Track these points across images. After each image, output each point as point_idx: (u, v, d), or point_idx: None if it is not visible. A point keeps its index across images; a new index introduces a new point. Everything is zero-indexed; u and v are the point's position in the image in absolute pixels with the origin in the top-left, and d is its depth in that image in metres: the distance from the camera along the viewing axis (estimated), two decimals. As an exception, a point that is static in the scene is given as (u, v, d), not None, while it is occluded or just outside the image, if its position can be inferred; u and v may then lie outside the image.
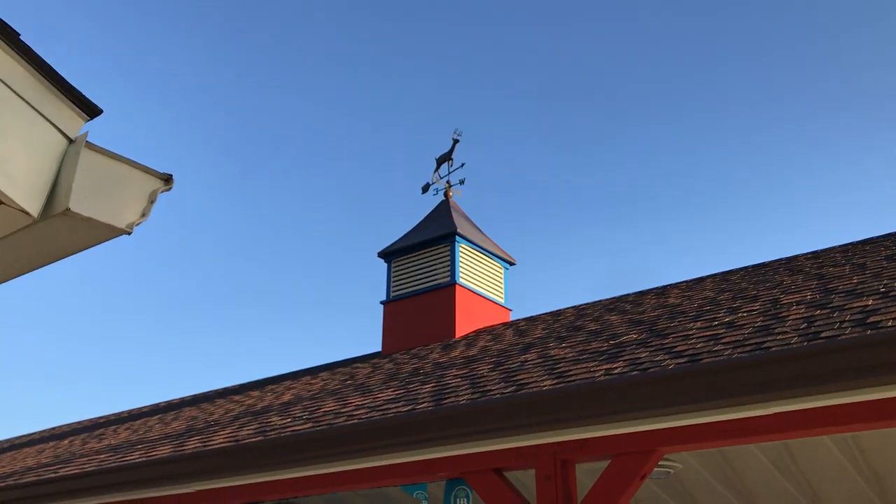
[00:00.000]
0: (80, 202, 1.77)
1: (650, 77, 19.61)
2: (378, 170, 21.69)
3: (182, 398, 10.76)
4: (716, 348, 4.21)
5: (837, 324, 3.93)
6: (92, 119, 1.85)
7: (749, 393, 3.67)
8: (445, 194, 9.75)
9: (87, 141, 1.84)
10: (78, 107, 1.85)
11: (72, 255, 1.90)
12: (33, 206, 1.73)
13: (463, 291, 8.83)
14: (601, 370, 4.50)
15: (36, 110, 1.78)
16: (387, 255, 9.44)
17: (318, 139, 22.21)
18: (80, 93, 1.83)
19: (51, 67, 1.82)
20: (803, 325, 4.14)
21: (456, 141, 9.70)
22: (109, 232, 1.83)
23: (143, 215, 1.89)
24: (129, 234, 1.86)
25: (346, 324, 23.45)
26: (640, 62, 19.46)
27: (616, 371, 4.37)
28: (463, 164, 9.75)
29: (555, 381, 4.55)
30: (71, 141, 1.83)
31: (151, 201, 1.88)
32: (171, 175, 1.96)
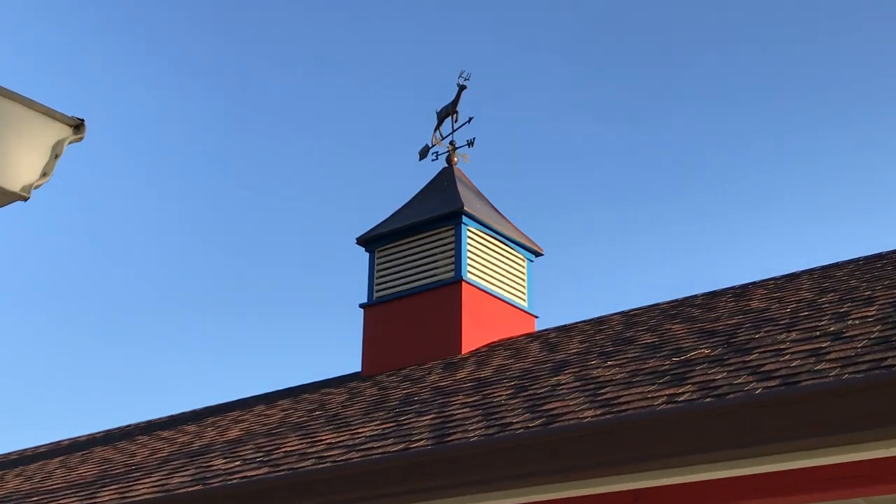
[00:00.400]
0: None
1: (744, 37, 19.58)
2: (359, 128, 21.67)
3: (92, 435, 10.77)
4: (818, 367, 4.20)
5: (985, 334, 3.92)
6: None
7: (865, 427, 3.66)
8: (448, 159, 9.72)
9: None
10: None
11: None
12: None
13: (472, 291, 8.81)
14: (661, 397, 4.49)
15: None
16: (369, 241, 9.42)
17: (277, 87, 22.20)
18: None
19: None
20: (938, 336, 4.13)
21: (462, 87, 9.67)
22: (-1, 197, 1.79)
23: (45, 175, 1.85)
24: (26, 199, 1.83)
25: (313, 335, 23.43)
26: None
27: (682, 398, 4.36)
28: (471, 119, 9.73)
29: (598, 412, 4.54)
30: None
31: (56, 155, 1.85)
32: (83, 121, 1.92)
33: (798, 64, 19.56)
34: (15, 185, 1.84)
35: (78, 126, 1.92)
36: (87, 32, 21.40)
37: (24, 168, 1.86)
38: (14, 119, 1.84)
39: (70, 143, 1.89)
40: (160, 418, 10.51)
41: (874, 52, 19.15)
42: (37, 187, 1.90)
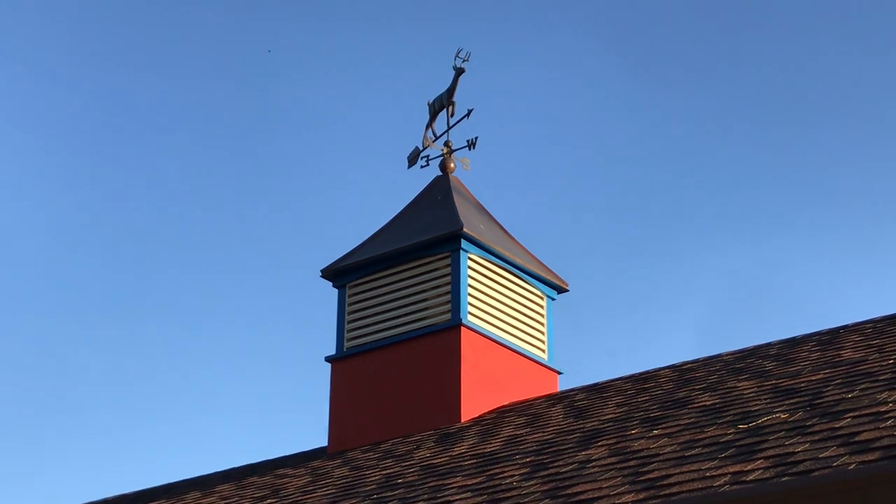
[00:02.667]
0: None
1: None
2: (329, 127, 21.71)
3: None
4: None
5: None
6: None
7: None
8: (444, 166, 9.75)
9: None
10: None
11: None
12: None
13: (474, 338, 8.81)
14: (725, 475, 4.50)
15: None
16: (338, 273, 9.43)
17: (223, 79, 22.29)
18: None
19: None
20: None
21: (460, 71, 9.68)
22: None
23: None
24: None
25: (265, 399, 23.35)
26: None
27: (752, 476, 4.37)
28: (471, 112, 9.74)
29: (642, 496, 4.55)
30: None
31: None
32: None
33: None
34: None
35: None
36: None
37: None
38: None
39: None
40: (61, 510, 10.49)
41: None
42: None
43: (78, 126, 22.12)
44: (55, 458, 22.59)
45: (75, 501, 10.56)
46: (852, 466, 4.08)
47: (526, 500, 5.11)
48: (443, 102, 9.79)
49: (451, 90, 9.75)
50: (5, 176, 21.76)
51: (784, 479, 4.19)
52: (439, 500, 5.67)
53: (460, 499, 5.56)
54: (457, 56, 9.64)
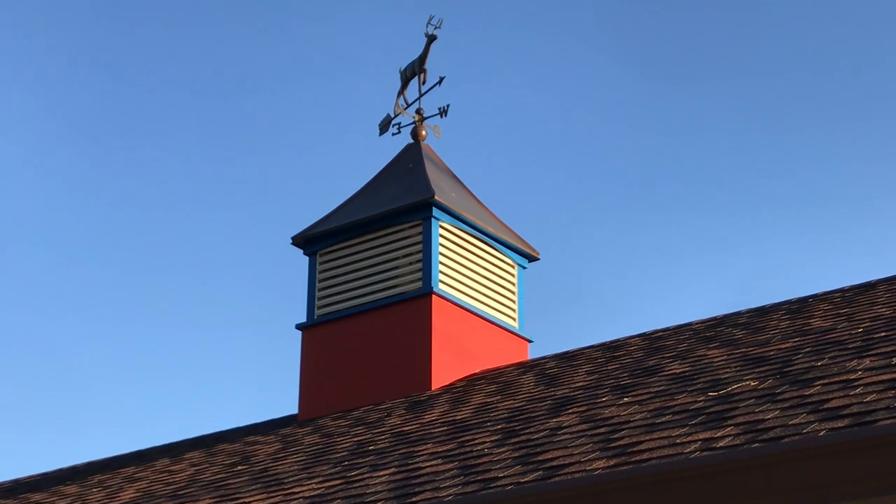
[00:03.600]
0: None
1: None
2: (300, 93, 21.59)
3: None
4: (901, 402, 4.23)
5: None
6: None
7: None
8: (415, 133, 9.72)
9: None
10: None
11: None
12: None
13: (445, 306, 8.81)
14: (695, 442, 4.51)
15: None
16: (309, 241, 9.41)
17: (190, 44, 22.13)
18: None
19: None
20: None
21: (432, 38, 9.65)
22: None
23: None
24: None
25: (235, 366, 23.30)
26: None
27: (721, 443, 4.38)
28: (442, 80, 9.71)
29: (612, 462, 4.56)
30: None
31: None
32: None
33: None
34: None
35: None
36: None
37: None
38: None
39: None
40: (30, 476, 10.45)
41: None
42: None
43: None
44: (23, 426, 22.50)
45: (43, 468, 10.50)
46: (822, 433, 4.10)
47: (497, 466, 5.11)
48: (414, 70, 9.75)
49: (422, 57, 9.71)
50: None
51: (754, 445, 4.20)
52: (410, 467, 5.67)
53: (431, 466, 5.56)
54: (428, 23, 9.60)
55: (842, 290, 7.88)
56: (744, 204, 20.73)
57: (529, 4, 20.39)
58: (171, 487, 7.43)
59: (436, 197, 8.89)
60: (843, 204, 20.25)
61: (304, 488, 5.93)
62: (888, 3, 18.10)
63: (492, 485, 4.76)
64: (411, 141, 9.76)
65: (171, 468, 8.33)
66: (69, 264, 22.22)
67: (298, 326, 9.30)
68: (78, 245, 22.31)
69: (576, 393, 6.70)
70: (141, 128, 21.93)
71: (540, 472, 4.73)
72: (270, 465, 7.21)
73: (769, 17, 19.96)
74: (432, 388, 8.48)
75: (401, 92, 9.86)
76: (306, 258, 9.45)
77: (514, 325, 9.30)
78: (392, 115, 9.80)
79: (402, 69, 9.82)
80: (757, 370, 5.75)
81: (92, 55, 21.77)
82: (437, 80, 9.72)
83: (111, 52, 21.88)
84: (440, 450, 5.93)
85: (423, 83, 9.78)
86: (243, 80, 21.48)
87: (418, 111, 9.80)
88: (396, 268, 9.04)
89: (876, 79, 19.86)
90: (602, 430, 5.27)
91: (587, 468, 4.56)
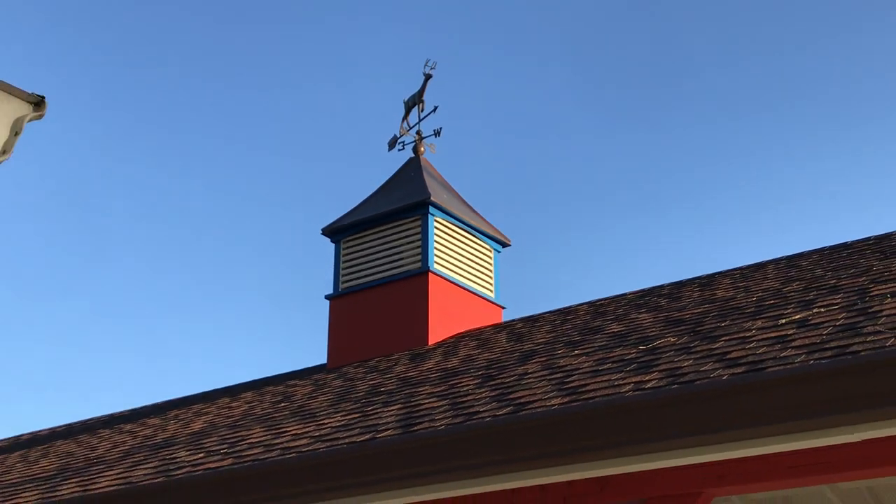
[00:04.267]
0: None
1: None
2: (328, 118, 21.57)
3: (52, 429, 10.68)
4: (784, 354, 4.23)
5: (948, 320, 3.97)
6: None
7: (830, 413, 3.70)
8: (415, 149, 9.71)
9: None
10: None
11: None
12: None
13: (439, 282, 8.81)
14: (629, 384, 4.51)
15: None
16: (335, 231, 9.40)
17: (248, 79, 22.05)
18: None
19: None
20: (902, 323, 4.17)
21: (428, 76, 9.65)
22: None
23: (4, 153, 1.83)
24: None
25: (279, 327, 23.34)
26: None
27: (649, 385, 4.38)
28: (436, 108, 9.71)
29: (566, 399, 4.56)
30: None
31: (16, 133, 1.83)
32: (43, 97, 1.90)
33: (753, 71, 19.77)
34: (-33, 165, 1.83)
35: (38, 103, 1.90)
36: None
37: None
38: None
39: (30, 120, 1.88)
40: (122, 412, 10.44)
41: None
42: (-5, 165, 1.88)
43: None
44: (132, 366, 22.68)
45: (130, 405, 10.50)
46: (725, 377, 4.10)
47: (478, 403, 5.12)
48: (415, 100, 9.76)
49: (421, 91, 9.72)
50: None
51: (674, 386, 4.20)
52: (412, 404, 5.68)
53: (428, 402, 5.57)
54: (426, 65, 9.64)
55: (740, 269, 7.90)
56: (667, 204, 20.86)
57: (505, 49, 20.45)
58: (230, 419, 7.44)
59: (431, 198, 8.89)
60: (742, 201, 20.37)
61: (331, 420, 5.94)
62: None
63: (474, 417, 4.76)
64: (412, 155, 9.75)
65: (230, 405, 8.34)
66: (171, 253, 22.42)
67: (327, 297, 9.30)
68: (175, 241, 22.47)
69: (538, 347, 6.71)
70: (215, 130, 21.95)
71: (511, 408, 4.74)
72: (306, 402, 7.22)
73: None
74: (429, 344, 8.48)
75: (404, 117, 9.85)
76: (332, 245, 9.45)
77: (491, 295, 9.31)
78: (398, 136, 9.80)
79: (406, 100, 9.83)
80: (675, 329, 5.76)
81: (156, 57, 21.65)
82: (433, 108, 9.75)
83: (190, 55, 21.78)
84: (435, 390, 5.93)
85: (422, 111, 9.77)
86: (293, 117, 21.63)
87: (418, 132, 9.79)
88: (402, 252, 9.03)
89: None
90: (558, 375, 5.28)
91: (547, 404, 4.57)
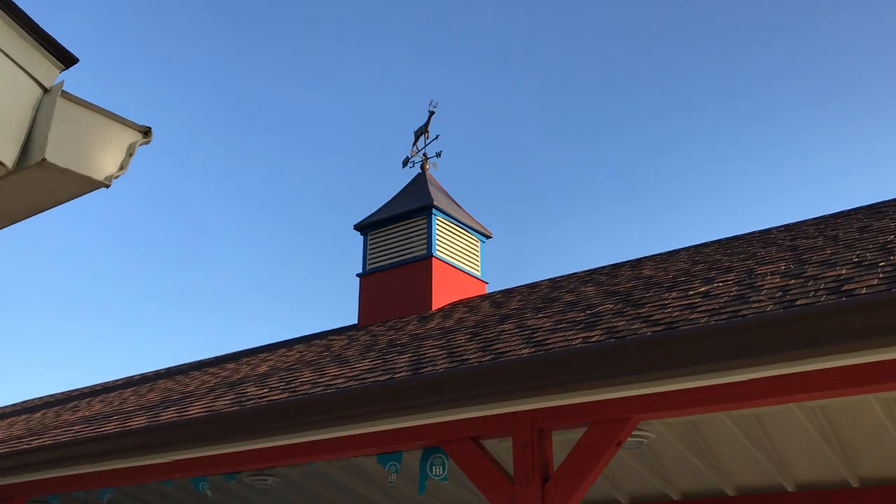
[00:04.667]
0: (57, 153, 1.71)
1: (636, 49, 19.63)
2: (360, 143, 21.59)
3: (156, 371, 10.68)
4: (692, 317, 4.23)
5: (812, 292, 3.97)
6: (68, 68, 1.79)
7: (725, 359, 3.70)
8: (422, 167, 9.70)
9: (62, 90, 1.77)
10: (53, 55, 1.78)
11: (49, 208, 1.84)
12: (8, 156, 1.67)
13: (439, 264, 8.81)
14: (578, 339, 4.50)
15: (9, 57, 1.72)
16: (363, 227, 9.39)
17: (300, 115, 22.01)
18: (55, 40, 1.76)
19: (25, 14, 1.75)
20: (778, 294, 4.17)
21: (431, 113, 9.64)
22: (87, 185, 1.77)
23: (122, 168, 1.83)
24: (108, 187, 1.81)
25: (322, 297, 23.41)
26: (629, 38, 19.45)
27: (593, 339, 4.37)
28: (437, 137, 9.70)
29: (532, 350, 4.55)
30: (46, 90, 1.76)
31: (130, 154, 1.83)
32: (150, 128, 1.90)
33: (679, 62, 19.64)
34: (100, 176, 1.83)
35: (146, 132, 1.91)
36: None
37: (107, 163, 1.84)
38: (98, 127, 1.82)
39: (140, 145, 1.88)
40: (207, 358, 10.45)
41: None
42: (115, 178, 1.88)
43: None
44: (219, 325, 22.70)
45: (209, 354, 10.52)
46: (649, 334, 4.10)
47: (468, 352, 5.12)
48: (422, 130, 9.75)
49: (426, 123, 9.70)
50: None
51: (611, 340, 4.20)
52: (420, 353, 5.68)
53: (431, 352, 5.57)
54: (430, 104, 9.66)
55: (659, 255, 7.90)
56: (603, 204, 20.84)
57: (491, 84, 20.39)
58: (286, 363, 7.45)
59: (434, 203, 8.88)
60: (663, 199, 20.34)
61: (361, 364, 5.94)
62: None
63: (465, 363, 4.77)
64: (420, 171, 9.74)
65: (287, 354, 8.35)
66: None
67: (357, 275, 9.30)
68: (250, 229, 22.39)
69: (512, 312, 6.72)
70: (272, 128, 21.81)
71: (492, 356, 4.74)
72: (342, 351, 7.23)
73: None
74: (432, 309, 8.49)
75: (414, 143, 9.84)
76: (362, 237, 9.45)
77: (478, 273, 9.31)
78: (409, 157, 9.79)
79: (415, 130, 9.82)
80: (613, 298, 5.77)
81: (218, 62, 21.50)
82: (435, 136, 9.73)
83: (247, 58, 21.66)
84: (437, 343, 5.94)
85: (427, 138, 9.76)
86: (339, 136, 21.61)
87: (424, 154, 9.78)
88: (412, 241, 9.03)
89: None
90: (526, 332, 5.28)
91: (519, 353, 4.57)
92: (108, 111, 1.84)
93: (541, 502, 4.19)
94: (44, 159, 1.69)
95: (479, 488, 4.44)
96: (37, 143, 1.72)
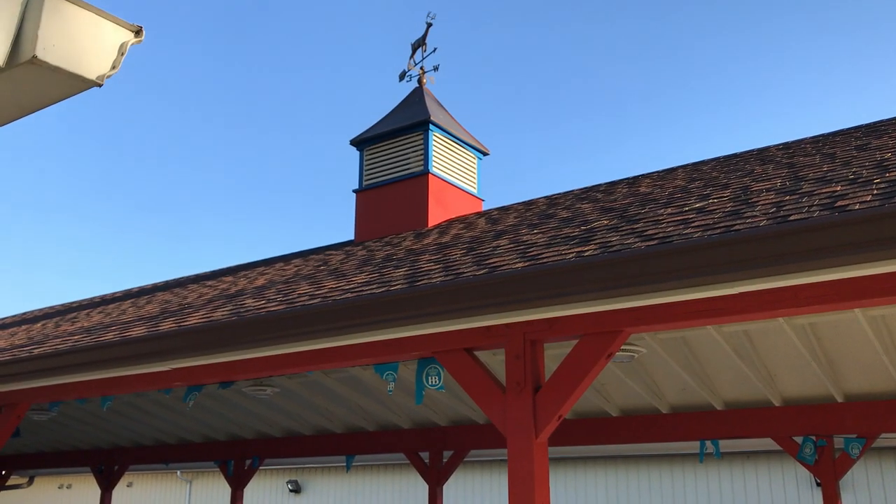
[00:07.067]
0: (48, 50, 1.70)
1: None
2: (358, 57, 21.24)
3: (154, 284, 10.78)
4: (686, 231, 4.26)
5: (806, 208, 3.99)
6: (56, -37, 1.76)
7: (716, 272, 3.74)
8: (419, 81, 9.58)
9: (52, -14, 1.75)
10: (41, -51, 1.75)
11: (41, 108, 1.84)
12: (-1, 53, 1.66)
13: (436, 181, 8.80)
14: (572, 253, 4.54)
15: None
16: (359, 143, 9.33)
17: (299, 25, 21.58)
18: (42, -66, 1.73)
19: None
20: (772, 210, 4.19)
21: (429, 25, 9.47)
22: (79, 83, 1.77)
23: (114, 68, 1.82)
24: (100, 86, 1.81)
25: (319, 212, 23.46)
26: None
27: (587, 254, 4.40)
28: (435, 49, 9.57)
29: (527, 264, 4.59)
30: (34, -15, 1.74)
31: (122, 53, 1.82)
32: (141, 27, 1.88)
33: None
34: (92, 75, 1.82)
35: (138, 31, 1.89)
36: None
37: (99, 62, 1.84)
38: (89, 24, 1.81)
39: (132, 44, 1.87)
40: (205, 272, 10.53)
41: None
42: (108, 77, 1.88)
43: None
44: (215, 238, 22.76)
45: (206, 268, 10.59)
46: (643, 247, 4.13)
47: (463, 266, 5.17)
48: (419, 42, 9.59)
49: (424, 35, 9.55)
50: None
51: (605, 254, 4.24)
52: (416, 267, 5.73)
53: (427, 266, 5.62)
54: (428, 15, 9.46)
55: (657, 172, 7.89)
56: (601, 122, 20.65)
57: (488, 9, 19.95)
58: (284, 277, 7.51)
59: (431, 118, 8.81)
60: (657, 113, 20.13)
61: (358, 278, 6.00)
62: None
63: (461, 276, 4.82)
64: (417, 85, 9.63)
65: (284, 268, 8.41)
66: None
67: (354, 191, 9.30)
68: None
69: (507, 228, 6.75)
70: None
71: (487, 269, 4.79)
72: (339, 266, 7.29)
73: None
74: (428, 226, 8.53)
75: (411, 56, 9.69)
76: (358, 152, 9.40)
77: (474, 191, 9.31)
78: (406, 70, 9.66)
79: (413, 42, 9.66)
80: (608, 215, 5.79)
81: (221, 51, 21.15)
82: (433, 49, 9.58)
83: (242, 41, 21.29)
84: (432, 258, 5.98)
85: (425, 51, 9.62)
86: (337, 50, 21.17)
87: (421, 67, 9.66)
88: (409, 157, 9.00)
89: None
90: (521, 247, 5.32)
91: (513, 266, 4.62)
92: (99, 10, 1.82)
93: (531, 410, 4.30)
94: (34, 56, 1.69)
95: (472, 397, 4.55)
96: (27, 40, 1.71)
